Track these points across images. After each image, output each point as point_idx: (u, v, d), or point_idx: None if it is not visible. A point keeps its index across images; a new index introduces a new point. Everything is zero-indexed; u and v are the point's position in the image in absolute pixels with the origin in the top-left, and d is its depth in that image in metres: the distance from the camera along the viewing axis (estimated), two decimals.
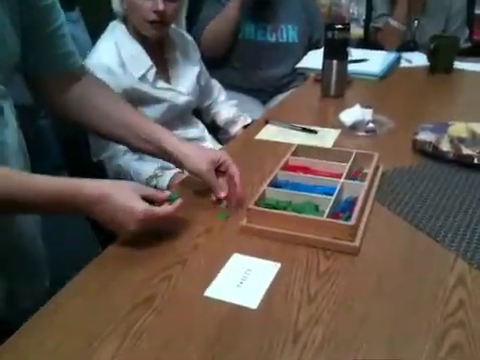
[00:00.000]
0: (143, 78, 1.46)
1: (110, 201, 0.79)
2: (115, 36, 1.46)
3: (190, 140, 1.58)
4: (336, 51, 1.61)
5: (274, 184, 1.00)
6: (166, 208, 0.84)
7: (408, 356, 0.64)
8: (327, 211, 0.87)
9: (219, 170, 0.98)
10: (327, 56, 1.63)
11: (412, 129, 1.34)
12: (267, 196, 0.95)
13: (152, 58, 1.48)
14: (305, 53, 2.25)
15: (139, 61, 1.46)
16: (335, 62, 1.62)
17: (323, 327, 0.69)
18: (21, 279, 0.93)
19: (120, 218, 0.79)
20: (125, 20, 1.49)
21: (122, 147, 1.41)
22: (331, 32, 1.58)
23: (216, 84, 1.82)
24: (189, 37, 1.65)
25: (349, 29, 1.59)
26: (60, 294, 0.76)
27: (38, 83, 0.96)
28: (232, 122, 1.79)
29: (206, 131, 1.70)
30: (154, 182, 1.35)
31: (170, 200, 0.86)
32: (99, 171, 1.47)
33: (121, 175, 1.41)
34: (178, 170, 1.36)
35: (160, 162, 1.43)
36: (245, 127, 1.77)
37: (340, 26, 1.56)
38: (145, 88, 1.47)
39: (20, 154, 0.88)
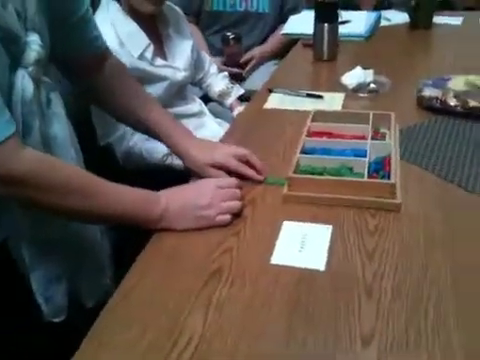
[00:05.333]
0: (141, 57, 1.45)
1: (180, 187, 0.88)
2: (110, 15, 1.43)
3: (191, 116, 1.59)
4: (327, 15, 1.63)
5: (303, 151, 1.02)
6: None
7: (474, 298, 0.69)
8: (365, 172, 0.91)
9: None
10: (318, 20, 1.64)
11: (409, 86, 1.39)
12: (301, 163, 0.98)
13: (148, 35, 1.47)
14: (276, 23, 2.26)
15: (136, 39, 1.44)
16: (326, 26, 1.64)
17: (390, 281, 0.73)
18: (84, 278, 0.94)
19: (194, 194, 0.85)
20: None
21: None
22: None
23: (206, 56, 1.81)
24: (179, 11, 1.63)
25: None
26: (126, 278, 0.77)
27: (66, 68, 0.96)
28: (226, 94, 1.79)
29: (203, 105, 1.71)
30: (170, 160, 1.36)
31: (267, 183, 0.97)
32: (106, 155, 1.46)
33: (132, 156, 1.41)
34: None
35: None
36: (240, 98, 1.78)
37: None
38: (144, 66, 1.46)
39: (71, 148, 0.88)
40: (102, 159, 1.50)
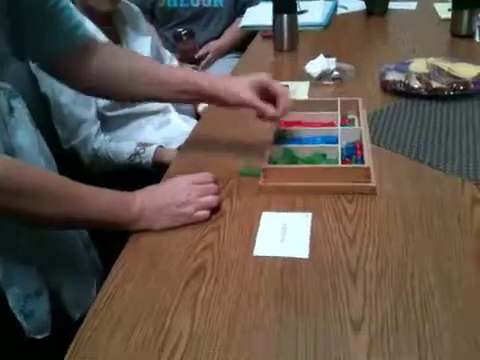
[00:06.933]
0: None
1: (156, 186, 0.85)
2: None
3: (157, 112, 1.56)
4: (285, 5, 1.63)
5: (275, 141, 1.02)
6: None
7: (456, 272, 0.70)
8: (339, 158, 0.91)
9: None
10: (277, 11, 1.64)
11: (372, 72, 1.40)
12: (274, 154, 0.97)
13: (105, 34, 1.43)
14: (231, 17, 2.26)
15: None
16: (285, 16, 1.63)
17: (373, 263, 0.73)
18: (68, 290, 0.91)
19: (171, 192, 0.82)
20: None
21: (93, 130, 1.37)
22: None
23: (166, 52, 1.79)
24: (136, 8, 1.60)
25: None
26: (107, 281, 0.75)
27: (55, 64, 0.90)
28: None
29: None
30: (137, 160, 1.33)
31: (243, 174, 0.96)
32: (71, 159, 1.42)
33: (98, 159, 1.38)
34: (158, 144, 1.35)
35: (137, 139, 1.41)
36: None
37: None
38: None
39: (40, 157, 0.84)
40: (67, 164, 1.46)
